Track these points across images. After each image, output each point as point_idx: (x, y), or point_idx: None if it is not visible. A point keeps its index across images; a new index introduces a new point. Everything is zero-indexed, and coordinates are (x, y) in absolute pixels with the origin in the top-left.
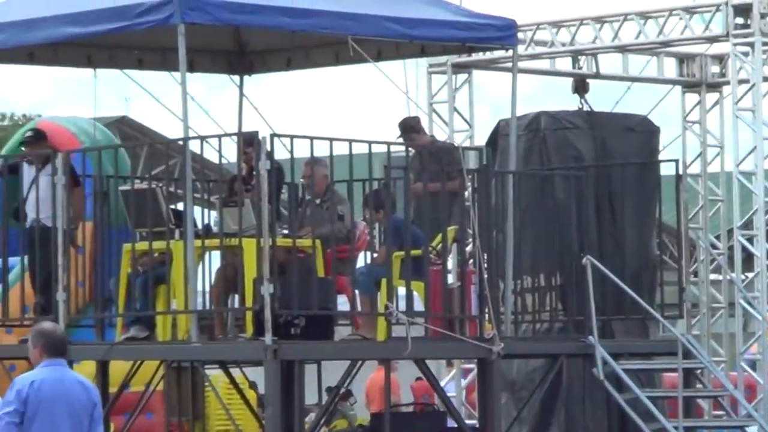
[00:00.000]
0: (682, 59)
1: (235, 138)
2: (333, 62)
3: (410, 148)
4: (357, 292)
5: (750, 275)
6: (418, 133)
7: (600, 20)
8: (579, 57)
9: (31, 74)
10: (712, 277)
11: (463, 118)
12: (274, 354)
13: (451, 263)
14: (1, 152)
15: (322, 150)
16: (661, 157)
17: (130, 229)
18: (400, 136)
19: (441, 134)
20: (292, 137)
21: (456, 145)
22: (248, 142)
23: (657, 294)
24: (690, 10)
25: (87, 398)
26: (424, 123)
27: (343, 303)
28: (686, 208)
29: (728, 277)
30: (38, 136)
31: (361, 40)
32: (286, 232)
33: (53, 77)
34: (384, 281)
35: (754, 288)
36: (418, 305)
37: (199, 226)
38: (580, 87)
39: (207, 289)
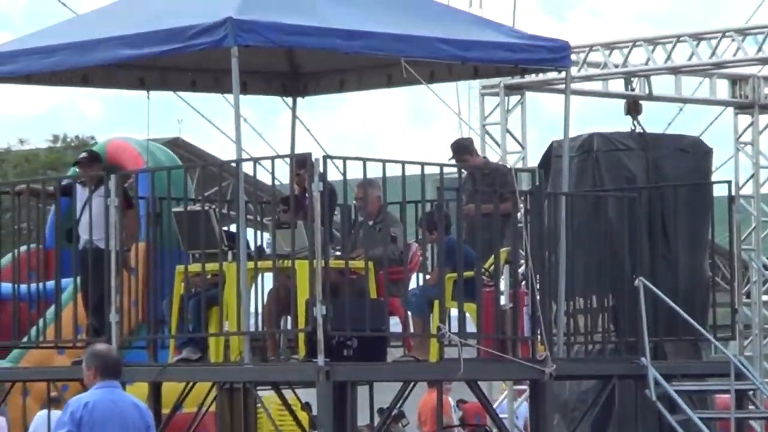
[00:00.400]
0: (735, 80)
1: (287, 160)
2: (386, 84)
3: (420, 164)
4: (409, 313)
5: None
6: (471, 155)
7: (653, 42)
8: (632, 78)
9: (81, 96)
10: (765, 298)
11: (515, 139)
12: (327, 375)
13: (503, 284)
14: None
15: (374, 172)
16: (713, 178)
17: (183, 251)
18: (452, 158)
19: (493, 156)
20: (344, 159)
21: (509, 167)
22: (301, 164)
23: (709, 315)
24: (743, 32)
25: (141, 420)
26: (477, 144)
27: (395, 324)
28: (739, 229)
29: None
30: (92, 158)
31: (414, 62)
32: (338, 253)
33: (103, 99)
34: (436, 302)
35: None
36: (471, 326)
37: (252, 247)
38: (633, 108)
39: (259, 310)
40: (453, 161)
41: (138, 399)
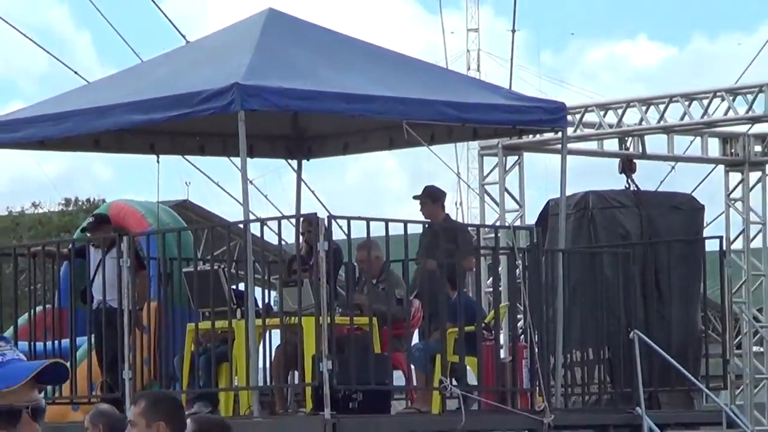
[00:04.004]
0: (726, 139)
1: (293, 220)
2: (388, 146)
3: (422, 223)
4: (413, 366)
5: None
6: (437, 204)
7: (646, 102)
8: (626, 138)
9: (93, 160)
10: (755, 349)
11: (513, 198)
12: (333, 428)
13: (503, 337)
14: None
15: (378, 230)
16: (705, 234)
17: (194, 309)
18: (417, 196)
19: (492, 214)
20: (348, 219)
21: (467, 226)
22: (309, 223)
23: (701, 366)
24: (733, 92)
25: None
26: (476, 204)
27: (398, 378)
28: (730, 283)
29: None
30: (99, 221)
31: (415, 124)
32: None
33: (114, 163)
34: (438, 356)
35: None
36: (472, 379)
37: (260, 305)
38: (627, 167)
39: (267, 366)
40: (419, 200)
41: None
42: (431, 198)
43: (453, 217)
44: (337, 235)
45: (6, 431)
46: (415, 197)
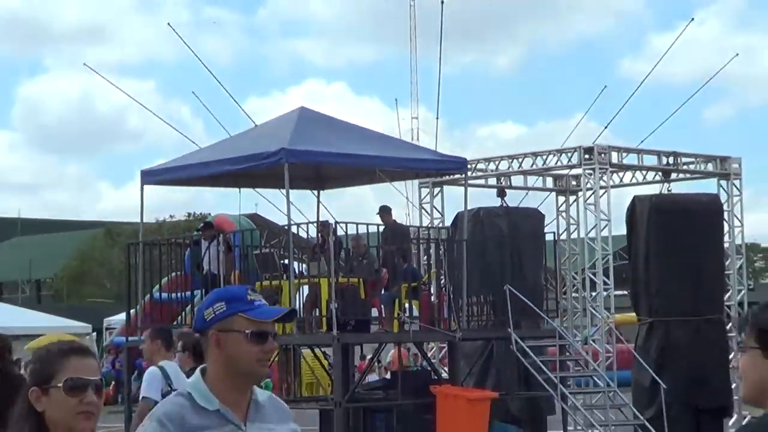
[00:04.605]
0: (556, 177)
1: (315, 225)
2: (369, 182)
3: (383, 225)
4: (383, 306)
5: (594, 294)
6: (388, 214)
7: (512, 157)
8: (501, 177)
9: (202, 190)
10: (574, 294)
11: (439, 211)
12: (338, 340)
13: (433, 289)
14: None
15: (362, 229)
16: (546, 230)
17: (260, 274)
18: (378, 212)
19: (426, 220)
20: (346, 223)
21: (408, 227)
22: (324, 226)
23: (544, 304)
24: (560, 151)
25: None
26: (416, 215)
27: (374, 312)
28: (559, 257)
29: (583, 295)
30: (206, 226)
31: (384, 170)
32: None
33: (215, 191)
34: (396, 300)
35: (596, 300)
36: (416, 312)
37: (296, 272)
38: (502, 194)
39: (301, 305)
40: (379, 213)
41: None
42: (385, 211)
43: (403, 222)
44: (339, 232)
45: (257, 345)
46: (377, 213)
